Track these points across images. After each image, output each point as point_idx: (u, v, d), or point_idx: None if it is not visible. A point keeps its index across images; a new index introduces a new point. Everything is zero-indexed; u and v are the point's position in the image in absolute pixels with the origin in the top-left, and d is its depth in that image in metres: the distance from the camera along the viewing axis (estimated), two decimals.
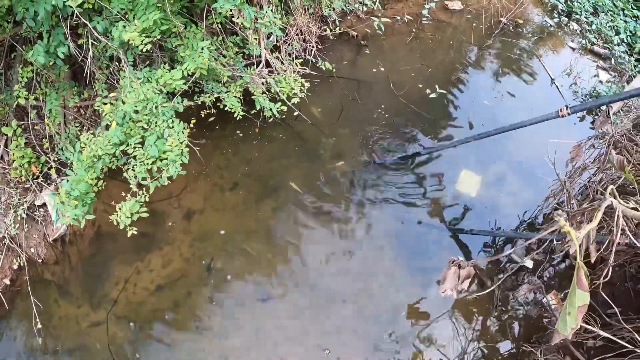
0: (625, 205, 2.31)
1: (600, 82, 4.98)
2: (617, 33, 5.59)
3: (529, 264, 3.61)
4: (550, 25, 5.51)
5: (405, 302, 3.53)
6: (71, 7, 2.92)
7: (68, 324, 3.75)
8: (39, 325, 3.65)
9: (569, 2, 5.77)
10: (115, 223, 3.10)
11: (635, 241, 2.35)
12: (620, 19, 5.75)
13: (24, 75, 3.75)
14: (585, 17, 5.68)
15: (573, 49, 5.29)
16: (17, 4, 3.21)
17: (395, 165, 4.18)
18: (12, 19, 3.54)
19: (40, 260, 3.97)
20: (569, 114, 2.67)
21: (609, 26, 5.60)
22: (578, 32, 5.50)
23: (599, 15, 5.74)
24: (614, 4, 5.85)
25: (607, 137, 3.15)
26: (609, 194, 2.22)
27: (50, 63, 3.54)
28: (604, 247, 2.51)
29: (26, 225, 3.97)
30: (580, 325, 2.91)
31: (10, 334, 3.78)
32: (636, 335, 2.53)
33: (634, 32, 5.62)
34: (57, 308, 3.81)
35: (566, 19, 5.65)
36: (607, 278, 2.49)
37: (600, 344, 3.21)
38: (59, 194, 3.28)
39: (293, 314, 3.49)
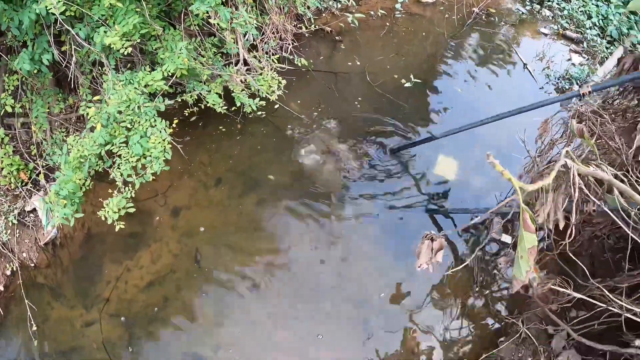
0: (580, 165, 2.55)
1: (573, 64, 5.29)
2: (589, 17, 5.92)
3: (507, 239, 3.86)
4: (523, 13, 5.84)
5: (390, 284, 3.77)
6: (54, 14, 3.18)
7: (62, 325, 3.95)
8: (34, 328, 3.85)
9: None
10: (103, 218, 3.34)
11: (597, 202, 2.59)
12: (592, 4, 6.08)
13: (9, 83, 4.00)
14: (557, 4, 6.02)
15: (545, 35, 5.61)
16: (1, 14, 3.47)
17: (375, 153, 4.46)
18: None
19: (32, 265, 4.19)
20: (589, 93, 2.97)
21: (580, 11, 5.94)
22: (550, 18, 5.83)
23: (570, 1, 6.07)
24: None
25: (572, 109, 3.41)
26: (564, 154, 2.46)
27: (35, 71, 3.79)
28: (562, 206, 2.75)
29: (17, 231, 4.19)
30: (555, 289, 3.14)
31: (7, 339, 3.97)
32: (604, 290, 2.74)
33: (605, 16, 5.95)
34: (51, 311, 4.01)
35: (538, 6, 5.99)
36: (572, 238, 2.73)
37: (583, 314, 3.43)
38: (49, 197, 3.52)
39: (282, 302, 3.71)
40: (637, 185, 2.90)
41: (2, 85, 4.04)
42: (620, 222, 2.64)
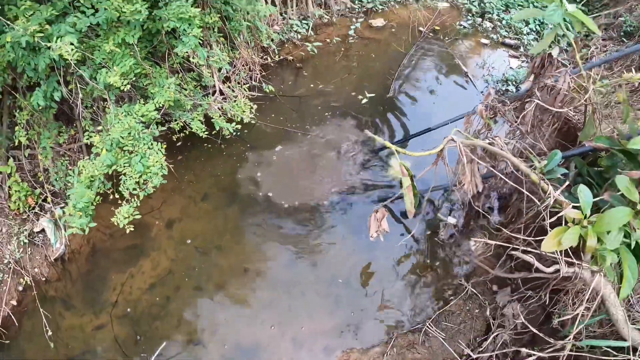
0: (464, 139, 4.13)
1: (511, 68, 7.04)
2: (527, 24, 7.75)
3: (452, 220, 5.40)
4: (465, 27, 7.65)
5: (356, 265, 5.26)
6: (66, 59, 4.66)
7: (74, 332, 5.24)
8: (50, 333, 5.14)
9: (482, 4, 7.97)
10: (115, 224, 4.77)
11: (481, 163, 4.16)
12: None
13: (21, 118, 5.46)
14: (497, 15, 7.86)
15: (486, 45, 7.39)
16: (20, 59, 4.96)
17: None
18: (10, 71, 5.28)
19: (44, 279, 5.53)
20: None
21: (518, 19, 7.79)
22: (490, 29, 7.65)
23: (510, 12, 7.93)
24: None
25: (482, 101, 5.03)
26: (454, 132, 4.04)
27: (40, 107, 5.24)
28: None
29: (29, 249, 5.55)
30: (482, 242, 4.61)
31: (21, 351, 5.22)
32: (505, 230, 4.22)
33: (542, 21, 7.80)
34: (63, 320, 5.31)
35: (480, 19, 7.81)
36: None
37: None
38: (57, 218, 4.93)
39: (266, 288, 5.15)
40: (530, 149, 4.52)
41: (9, 120, 5.50)
42: (499, 174, 4.22)
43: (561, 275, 3.72)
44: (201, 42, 5.41)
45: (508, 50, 7.38)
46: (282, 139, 6.23)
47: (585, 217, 3.58)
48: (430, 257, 5.26)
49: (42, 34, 4.67)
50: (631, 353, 3.73)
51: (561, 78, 4.59)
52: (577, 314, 3.91)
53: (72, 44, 4.65)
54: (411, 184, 3.53)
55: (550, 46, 7.19)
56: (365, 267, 5.25)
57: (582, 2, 8.37)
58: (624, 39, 7.65)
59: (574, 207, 3.64)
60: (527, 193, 3.93)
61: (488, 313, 4.81)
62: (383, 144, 3.48)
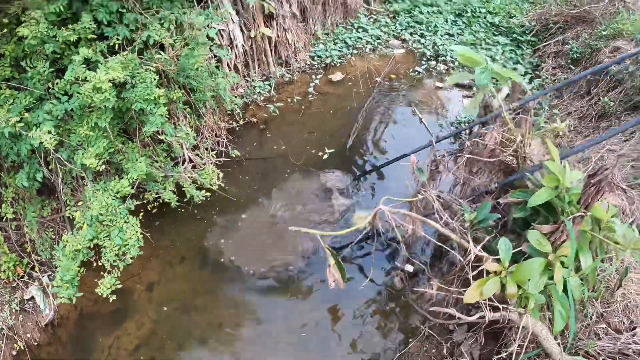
0: (390, 209, 4.90)
1: (465, 109, 7.87)
2: None
3: (409, 268, 6.17)
4: (419, 72, 8.51)
5: (324, 316, 6.00)
6: (46, 147, 5.42)
7: None
8: None
9: (435, 47, 8.83)
10: (99, 294, 5.51)
11: (412, 228, 4.94)
12: (482, 49, 8.80)
13: (7, 195, 6.23)
14: (450, 57, 8.72)
15: (440, 88, 8.24)
16: (4, 146, 5.73)
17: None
18: None
19: (36, 344, 6.24)
20: None
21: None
22: (444, 71, 8.50)
23: None
24: (475, 37, 8.93)
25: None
26: (383, 201, 4.82)
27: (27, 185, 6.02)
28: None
29: (20, 316, 6.27)
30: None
31: None
32: (436, 281, 5.01)
33: (493, 58, 8.66)
34: None
35: (434, 63, 8.67)
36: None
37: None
38: (45, 286, 5.68)
39: (241, 343, 5.88)
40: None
41: None
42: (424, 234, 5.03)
43: (487, 321, 4.48)
44: (168, 116, 6.21)
45: (462, 90, 8.23)
46: (248, 203, 7.07)
47: (505, 269, 4.34)
48: (390, 303, 6.01)
49: (22, 124, 5.45)
50: None
51: (488, 134, 5.41)
52: (514, 350, 4.67)
53: (49, 131, 5.45)
54: (336, 263, 4.33)
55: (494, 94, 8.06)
56: (332, 317, 5.99)
57: (532, 33, 9.28)
58: (572, 66, 8.49)
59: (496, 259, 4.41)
60: (452, 251, 4.70)
61: (445, 352, 5.54)
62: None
